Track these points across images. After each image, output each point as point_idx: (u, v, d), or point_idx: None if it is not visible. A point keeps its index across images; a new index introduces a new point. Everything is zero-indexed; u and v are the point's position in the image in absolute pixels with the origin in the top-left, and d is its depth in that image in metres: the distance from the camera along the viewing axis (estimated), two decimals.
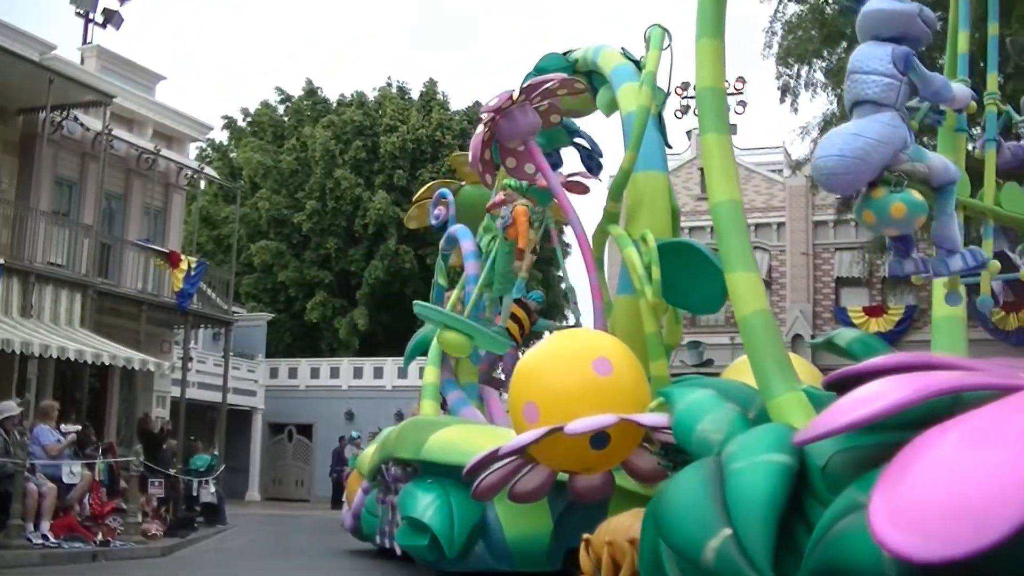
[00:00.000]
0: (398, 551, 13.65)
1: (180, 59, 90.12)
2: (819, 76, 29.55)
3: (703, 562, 5.78)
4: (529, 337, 16.02)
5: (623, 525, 10.29)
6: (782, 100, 28.57)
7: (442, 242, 17.43)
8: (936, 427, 4.59)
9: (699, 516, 5.96)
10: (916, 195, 6.21)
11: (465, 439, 12.31)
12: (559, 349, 9.31)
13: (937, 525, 3.89)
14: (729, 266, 7.67)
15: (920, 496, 4.12)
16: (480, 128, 12.31)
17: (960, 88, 6.78)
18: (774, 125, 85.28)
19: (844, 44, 28.69)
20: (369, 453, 16.47)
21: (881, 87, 6.18)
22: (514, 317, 14.72)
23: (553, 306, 47.06)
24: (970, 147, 8.67)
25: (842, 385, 6.03)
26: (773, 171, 37.03)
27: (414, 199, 19.18)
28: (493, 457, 8.67)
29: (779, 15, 27.41)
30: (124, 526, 16.49)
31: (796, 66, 27.95)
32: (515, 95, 11.95)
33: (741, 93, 41.86)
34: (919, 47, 6.42)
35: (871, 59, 6.25)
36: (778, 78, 28.41)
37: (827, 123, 29.21)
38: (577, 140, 15.05)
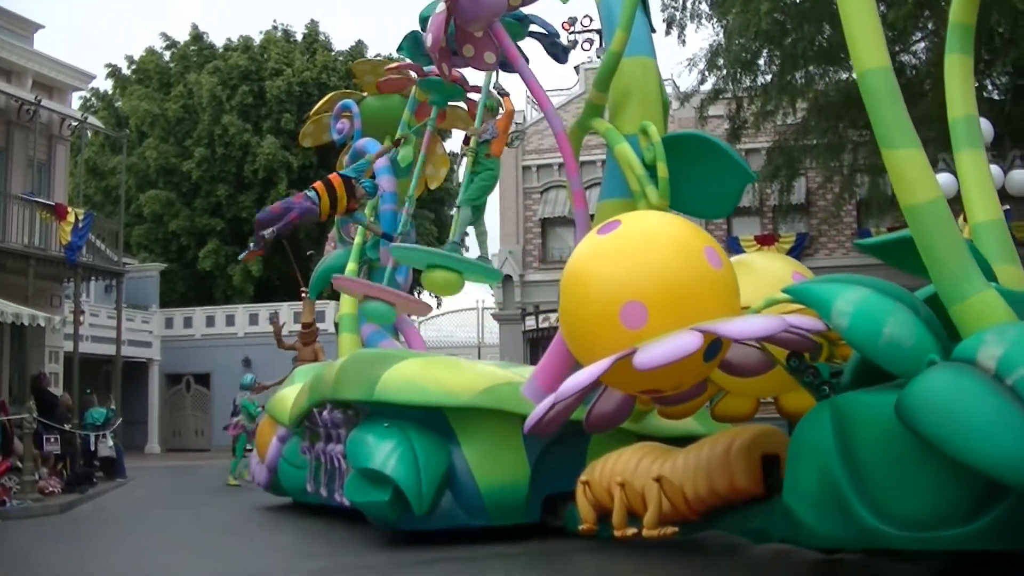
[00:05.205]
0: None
1: (59, 7, 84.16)
2: (704, 7, 27.82)
3: None
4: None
5: (629, 464, 8.63)
6: (668, 32, 26.80)
7: (346, 159, 14.69)
8: None
9: (1016, 432, 4.83)
10: None
11: (425, 374, 9.97)
12: (659, 235, 6.86)
13: None
14: (889, 142, 5.74)
15: None
16: (440, 7, 9.68)
17: None
18: (660, 58, 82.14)
19: None
20: (286, 397, 13.98)
21: None
22: (330, 185, 11.52)
23: (441, 242, 44.76)
24: None
25: None
26: None
27: (310, 113, 16.36)
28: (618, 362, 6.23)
29: None
30: (20, 485, 15.57)
31: None
32: None
33: None
34: None
35: None
36: (663, 10, 26.67)
37: (714, 54, 27.49)
38: (532, 28, 12.56)
